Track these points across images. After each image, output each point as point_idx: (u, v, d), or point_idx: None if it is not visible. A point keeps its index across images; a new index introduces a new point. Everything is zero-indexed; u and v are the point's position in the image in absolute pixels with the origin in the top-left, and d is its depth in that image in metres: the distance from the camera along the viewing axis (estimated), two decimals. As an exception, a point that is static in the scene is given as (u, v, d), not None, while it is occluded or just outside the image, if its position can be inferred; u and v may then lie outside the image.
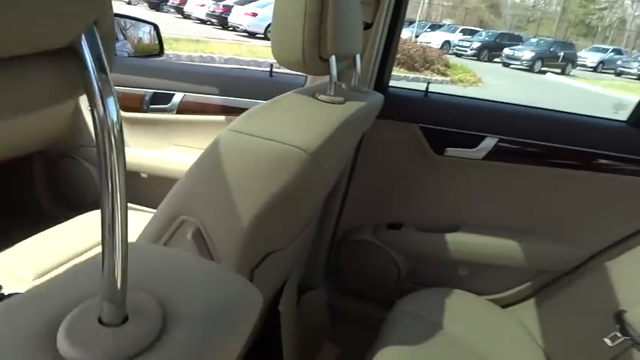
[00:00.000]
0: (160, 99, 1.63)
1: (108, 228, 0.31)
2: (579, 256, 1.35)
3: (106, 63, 0.28)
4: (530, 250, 1.38)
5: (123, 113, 1.68)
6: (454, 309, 1.29)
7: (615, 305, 1.18)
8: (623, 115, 1.37)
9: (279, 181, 0.75)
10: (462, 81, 11.87)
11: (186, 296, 0.37)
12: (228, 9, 14.02)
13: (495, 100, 1.47)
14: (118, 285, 0.31)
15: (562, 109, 1.41)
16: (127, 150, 1.56)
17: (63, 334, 0.30)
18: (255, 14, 13.09)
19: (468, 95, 1.63)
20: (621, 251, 1.28)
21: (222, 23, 14.07)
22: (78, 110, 1.65)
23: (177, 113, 1.61)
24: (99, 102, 0.28)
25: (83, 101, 1.65)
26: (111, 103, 0.28)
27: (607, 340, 1.15)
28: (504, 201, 1.39)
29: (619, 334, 1.13)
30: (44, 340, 0.29)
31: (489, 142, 1.33)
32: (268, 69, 1.61)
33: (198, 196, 0.76)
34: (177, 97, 1.60)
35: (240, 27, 13.32)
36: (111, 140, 0.29)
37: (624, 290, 1.20)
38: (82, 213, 1.41)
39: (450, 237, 1.42)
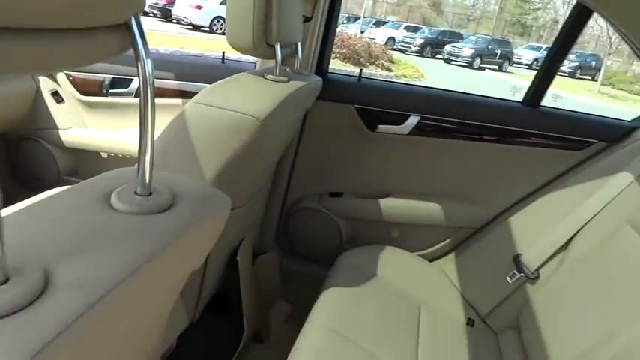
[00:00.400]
0: (119, 84, 1.75)
1: (143, 150, 0.48)
2: (488, 214, 1.62)
3: (144, 35, 0.45)
4: (449, 211, 1.63)
5: (83, 97, 1.80)
6: (388, 262, 1.52)
7: (514, 250, 1.45)
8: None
9: (236, 144, 0.94)
10: (405, 76, 12.35)
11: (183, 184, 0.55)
12: (172, 1, 13.81)
13: (418, 84, 1.72)
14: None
15: (474, 93, 1.67)
16: (87, 131, 1.69)
17: None
18: (200, 7, 12.98)
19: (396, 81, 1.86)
20: (519, 209, 1.56)
21: (166, 15, 13.84)
22: (39, 95, 1.75)
23: (135, 97, 1.74)
24: (143, 59, 0.45)
25: (44, 85, 1.75)
26: (149, 62, 0.46)
27: (508, 279, 1.41)
28: (427, 170, 1.64)
29: (516, 272, 1.40)
30: None
31: (413, 120, 1.57)
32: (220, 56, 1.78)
33: (165, 156, 0.93)
34: (136, 82, 1.74)
35: (185, 20, 13.17)
36: (147, 87, 0.47)
37: (520, 238, 1.48)
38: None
39: (383, 202, 1.65)
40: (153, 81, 0.47)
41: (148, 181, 0.49)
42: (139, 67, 0.45)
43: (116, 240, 0.42)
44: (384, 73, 12.04)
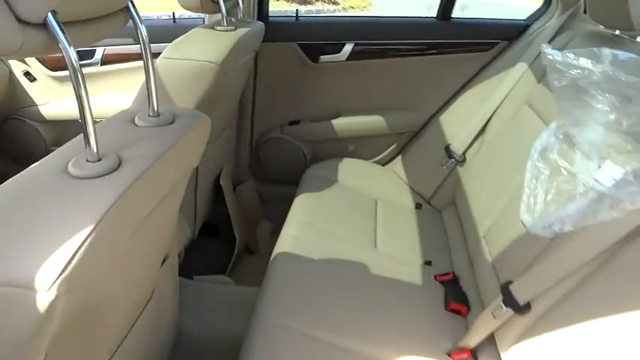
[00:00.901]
0: (85, 55, 1.94)
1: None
2: (422, 117, 1.92)
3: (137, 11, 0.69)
4: (391, 120, 1.93)
5: (53, 73, 1.98)
6: (347, 170, 1.83)
7: (445, 142, 1.77)
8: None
9: (202, 87, 1.19)
10: (352, 7, 12.30)
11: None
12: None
13: (348, 15, 1.95)
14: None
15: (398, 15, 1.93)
16: (63, 103, 1.90)
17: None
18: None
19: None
20: (446, 108, 1.87)
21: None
22: (13, 77, 1.92)
23: (102, 65, 1.94)
24: (140, 28, 0.69)
25: (16, 68, 1.92)
26: (145, 30, 0.70)
27: (443, 166, 1.74)
28: (367, 88, 1.92)
29: (448, 159, 1.72)
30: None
31: (348, 48, 1.83)
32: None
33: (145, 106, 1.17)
34: (99, 51, 1.93)
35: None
36: (146, 46, 0.71)
37: (449, 132, 1.79)
38: None
39: (335, 122, 1.93)
40: (149, 41, 0.72)
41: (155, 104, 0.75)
42: (139, 34, 0.70)
43: (150, 138, 0.69)
44: (332, 7, 11.97)
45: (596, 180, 0.91)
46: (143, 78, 1.21)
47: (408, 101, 1.92)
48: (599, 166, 0.92)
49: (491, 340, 1.10)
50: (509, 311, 1.03)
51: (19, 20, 0.49)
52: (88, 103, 0.58)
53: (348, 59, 1.84)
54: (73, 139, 0.68)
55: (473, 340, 1.10)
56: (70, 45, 0.53)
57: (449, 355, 1.11)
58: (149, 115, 0.76)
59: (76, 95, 0.57)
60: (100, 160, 0.60)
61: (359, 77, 1.89)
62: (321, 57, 1.84)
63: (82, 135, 0.61)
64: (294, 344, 1.02)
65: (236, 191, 1.92)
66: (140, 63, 1.96)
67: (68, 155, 0.62)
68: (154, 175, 0.65)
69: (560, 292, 0.95)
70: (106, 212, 0.54)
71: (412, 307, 1.23)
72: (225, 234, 1.81)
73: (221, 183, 1.62)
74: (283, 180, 2.05)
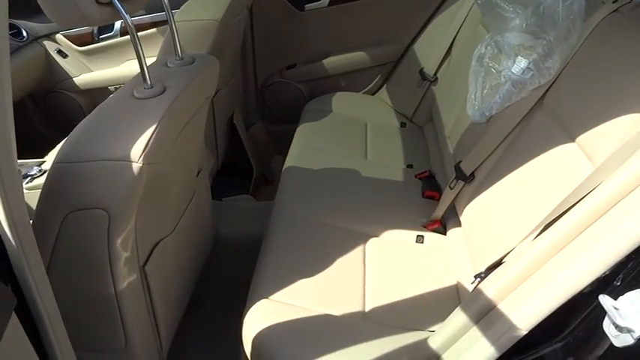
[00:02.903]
0: (104, 29, 2.24)
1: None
2: (400, 47, 2.19)
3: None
4: (374, 53, 2.20)
5: (81, 48, 2.29)
6: (340, 101, 2.13)
7: (419, 66, 2.05)
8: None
9: (207, 42, 1.50)
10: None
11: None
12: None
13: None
14: None
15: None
16: (94, 74, 2.25)
17: None
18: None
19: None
20: (419, 37, 2.13)
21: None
22: (48, 55, 2.24)
23: (121, 36, 2.24)
24: (124, 16, 0.99)
25: (49, 47, 2.24)
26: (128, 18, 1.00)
27: (419, 88, 2.03)
28: (350, 27, 2.18)
29: (422, 80, 2.01)
30: None
31: None
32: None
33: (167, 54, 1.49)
34: (117, 24, 2.23)
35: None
36: (169, 10, 1.03)
37: (422, 57, 2.07)
38: None
39: (326, 62, 2.22)
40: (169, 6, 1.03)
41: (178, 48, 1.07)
42: (164, 3, 1.01)
43: (180, 74, 1.02)
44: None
45: (512, 72, 1.21)
46: (157, 44, 1.52)
47: (385, 35, 2.19)
48: (514, 62, 1.21)
49: (452, 210, 1.43)
50: (460, 183, 1.35)
51: (98, 2, 0.80)
52: (142, 52, 0.90)
53: (329, 5, 2.10)
54: (133, 77, 1.01)
55: (440, 210, 1.44)
56: (127, 14, 0.84)
57: (424, 226, 1.46)
58: (176, 59, 1.08)
59: (135, 48, 0.89)
60: (152, 87, 0.93)
61: (341, 19, 2.16)
62: (306, 5, 2.11)
63: (139, 74, 0.94)
64: (306, 229, 1.37)
65: (248, 132, 2.25)
66: (152, 31, 2.27)
67: (132, 86, 0.95)
68: (186, 96, 0.98)
69: (494, 160, 1.27)
70: (163, 116, 0.87)
71: (396, 198, 1.57)
72: (243, 168, 2.15)
73: (234, 121, 1.95)
74: (288, 118, 2.36)
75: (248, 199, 1.83)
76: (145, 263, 1.00)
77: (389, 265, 1.28)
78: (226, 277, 1.51)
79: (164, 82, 0.97)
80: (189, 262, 1.27)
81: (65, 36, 2.26)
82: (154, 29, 2.23)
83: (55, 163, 0.83)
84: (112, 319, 0.94)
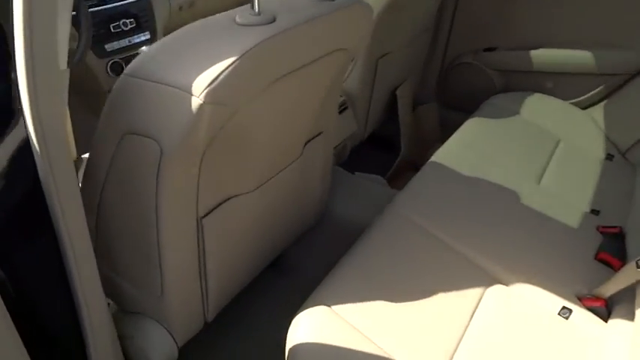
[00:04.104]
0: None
1: None
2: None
3: None
4: (601, 58, 1.69)
5: None
6: (535, 106, 1.70)
7: None
8: None
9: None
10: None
11: None
12: None
13: None
14: None
15: None
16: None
17: None
18: None
19: None
20: None
21: None
22: None
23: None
24: None
25: None
26: None
27: None
28: (577, 18, 1.69)
29: None
30: None
31: None
32: None
33: None
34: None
35: None
36: None
37: None
38: None
39: (534, 53, 1.79)
40: None
41: None
42: None
43: (305, 8, 0.82)
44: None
45: None
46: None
47: (624, 37, 1.64)
48: None
49: (630, 295, 0.99)
50: (661, 266, 0.91)
51: None
52: None
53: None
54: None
55: (610, 288, 1.01)
56: None
57: (579, 298, 1.05)
58: None
59: None
60: (259, 14, 0.75)
61: (569, 6, 1.68)
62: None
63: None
64: (416, 241, 1.09)
65: (416, 111, 1.98)
66: None
67: (240, 11, 0.78)
68: (298, 35, 0.77)
69: None
70: (251, 48, 0.68)
71: (557, 247, 1.16)
72: (393, 147, 1.91)
73: (397, 93, 1.70)
74: (468, 107, 2.01)
75: (380, 181, 1.60)
76: (206, 215, 0.86)
77: (507, 329, 0.94)
78: (313, 261, 1.33)
79: (279, 12, 0.78)
80: (271, 230, 1.11)
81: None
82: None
83: (123, 73, 0.72)
84: (150, 264, 0.84)
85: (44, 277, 0.74)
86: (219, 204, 0.89)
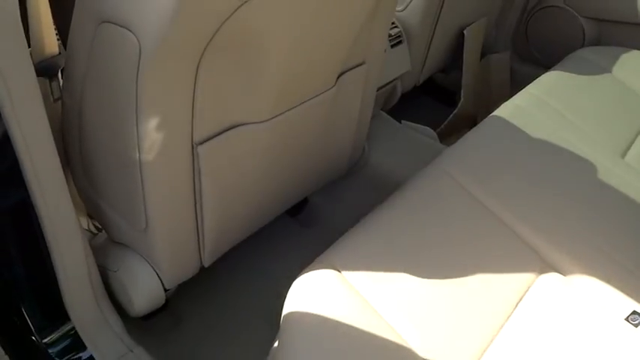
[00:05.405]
0: None
1: None
2: None
3: None
4: None
5: None
6: (631, 64, 1.40)
7: None
8: None
9: None
10: None
11: None
12: None
13: None
14: None
15: None
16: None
17: None
18: None
19: None
20: None
21: None
22: None
23: None
24: None
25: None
26: None
27: None
28: None
29: None
30: None
31: None
32: None
33: None
34: None
35: None
36: None
37: None
38: None
39: (642, 0, 1.46)
40: None
41: None
42: None
43: None
44: None
45: None
46: None
47: None
48: None
49: None
50: None
51: None
52: None
53: None
54: None
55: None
56: None
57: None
58: None
59: None
60: None
61: None
62: None
63: None
64: (455, 200, 0.91)
65: (485, 59, 1.71)
66: None
67: None
68: None
69: None
70: None
71: (631, 234, 0.94)
72: (451, 99, 1.67)
73: (465, 33, 1.44)
74: (546, 62, 1.72)
75: (430, 134, 1.39)
76: (202, 143, 0.72)
77: (558, 327, 0.75)
78: (342, 215, 1.17)
79: None
80: (288, 172, 0.95)
81: None
82: None
83: None
84: (133, 191, 0.71)
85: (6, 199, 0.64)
86: (221, 132, 0.74)
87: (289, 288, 0.74)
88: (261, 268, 1.12)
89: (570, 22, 1.60)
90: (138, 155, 0.66)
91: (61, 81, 0.79)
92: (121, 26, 0.56)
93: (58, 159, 0.64)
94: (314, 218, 1.26)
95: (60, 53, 0.77)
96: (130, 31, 0.55)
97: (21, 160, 0.60)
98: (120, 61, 0.59)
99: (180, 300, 1.03)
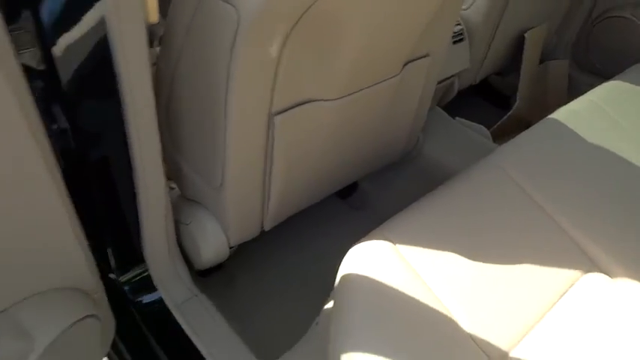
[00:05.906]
0: None
1: None
2: None
3: None
4: None
5: None
6: None
7: None
8: None
9: None
10: None
11: None
12: None
13: None
14: None
15: None
16: None
17: None
18: None
19: None
20: None
21: None
22: None
23: None
24: None
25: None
26: None
27: None
28: None
29: None
30: None
31: None
32: None
33: None
34: None
35: None
36: None
37: None
38: None
39: None
40: None
41: None
42: None
43: None
44: None
45: None
46: None
47: None
48: None
49: None
50: None
51: None
52: None
53: None
54: None
55: None
56: None
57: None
58: None
59: None
60: None
61: None
62: None
63: None
64: (506, 191, 0.94)
65: (544, 65, 1.72)
66: None
67: None
68: None
69: None
70: None
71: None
72: (507, 102, 1.69)
73: (525, 35, 1.46)
74: (606, 72, 1.71)
75: (483, 132, 1.42)
76: (279, 113, 0.79)
77: (600, 326, 0.78)
78: (390, 202, 1.22)
79: None
80: (346, 152, 1.01)
81: None
82: None
83: None
84: (214, 150, 0.79)
85: (106, 141, 0.72)
86: (295, 105, 0.80)
87: (338, 259, 0.80)
88: (311, 240, 1.19)
89: (636, 34, 1.59)
90: (224, 120, 0.73)
91: (156, 48, 0.88)
92: (224, 1, 0.63)
93: (155, 112, 0.71)
94: (363, 202, 1.32)
95: (158, 22, 0.86)
96: (232, 4, 0.62)
97: (126, 115, 0.68)
98: (218, 33, 0.66)
99: (234, 262, 1.11)
